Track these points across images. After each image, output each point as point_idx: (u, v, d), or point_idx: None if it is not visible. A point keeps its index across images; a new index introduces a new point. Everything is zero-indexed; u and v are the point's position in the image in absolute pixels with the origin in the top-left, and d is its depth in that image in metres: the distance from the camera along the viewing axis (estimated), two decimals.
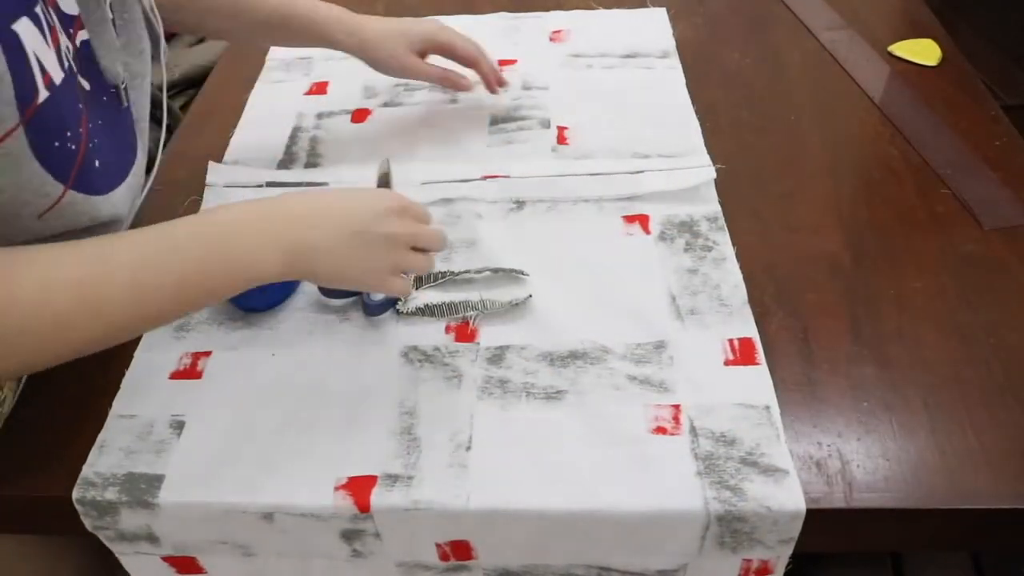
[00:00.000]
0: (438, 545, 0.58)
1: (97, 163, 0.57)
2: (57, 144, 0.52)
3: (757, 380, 0.61)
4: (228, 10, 0.76)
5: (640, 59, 0.94)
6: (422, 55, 0.81)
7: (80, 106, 0.55)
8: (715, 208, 0.74)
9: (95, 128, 0.57)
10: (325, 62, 0.99)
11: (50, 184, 0.52)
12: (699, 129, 0.83)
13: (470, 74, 0.85)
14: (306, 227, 0.55)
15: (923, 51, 0.91)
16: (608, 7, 1.04)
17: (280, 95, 0.95)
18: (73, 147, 0.53)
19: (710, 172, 0.76)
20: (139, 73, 0.65)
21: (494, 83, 0.85)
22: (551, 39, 0.99)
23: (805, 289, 0.67)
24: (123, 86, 0.62)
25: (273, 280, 0.55)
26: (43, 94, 0.49)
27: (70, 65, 0.54)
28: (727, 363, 0.62)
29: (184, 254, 0.52)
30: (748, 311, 0.65)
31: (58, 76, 0.51)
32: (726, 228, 0.72)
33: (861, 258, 0.69)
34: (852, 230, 0.71)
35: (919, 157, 0.78)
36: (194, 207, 0.79)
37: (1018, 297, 0.65)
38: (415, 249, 0.58)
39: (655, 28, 0.99)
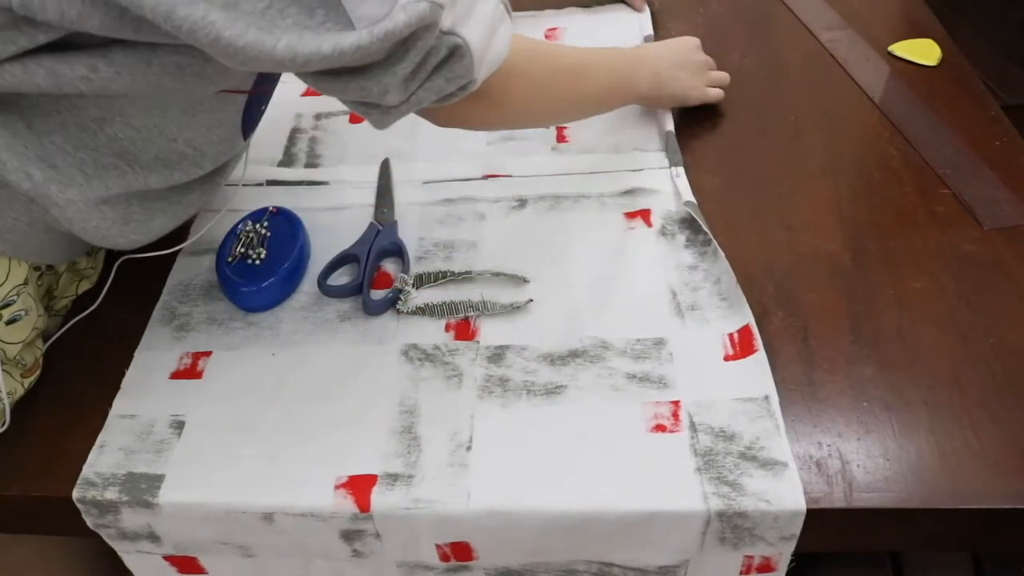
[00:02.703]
0: (438, 546, 0.58)
1: (263, 108, 0.72)
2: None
3: (755, 369, 0.61)
4: None
5: None
6: None
7: None
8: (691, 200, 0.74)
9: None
10: None
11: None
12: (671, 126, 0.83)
13: None
14: (661, 68, 0.81)
15: (923, 51, 0.91)
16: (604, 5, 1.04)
17: (277, 97, 0.94)
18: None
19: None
20: None
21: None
22: (546, 36, 0.99)
23: (805, 289, 0.67)
24: None
25: (641, 99, 0.82)
26: None
27: None
28: (727, 358, 0.62)
29: (612, 69, 0.77)
30: (741, 295, 0.65)
31: None
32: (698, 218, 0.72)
33: (861, 258, 0.69)
34: (852, 230, 0.71)
35: (919, 157, 0.78)
36: None
37: (1018, 297, 0.65)
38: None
39: (631, 25, 0.99)
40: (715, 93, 0.84)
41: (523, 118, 0.73)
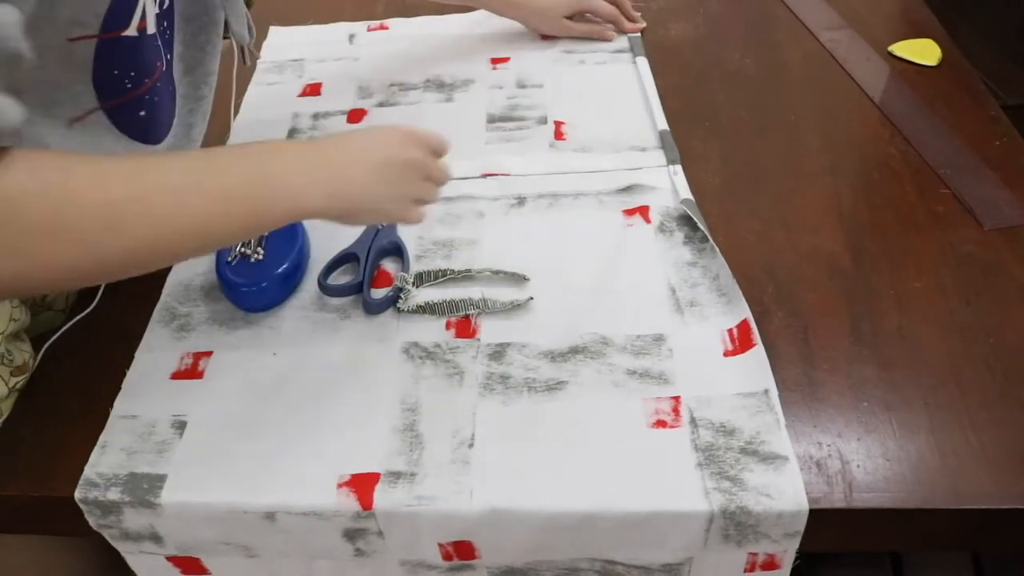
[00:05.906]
0: (440, 545, 0.58)
1: (143, 113, 0.63)
2: (116, 74, 0.58)
3: (754, 363, 0.61)
4: None
5: (626, 54, 0.95)
6: (570, 17, 0.98)
7: (157, 63, 0.60)
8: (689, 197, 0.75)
9: (162, 87, 0.63)
10: (318, 64, 0.99)
11: (88, 95, 0.58)
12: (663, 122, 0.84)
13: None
14: (344, 168, 0.57)
15: (923, 51, 0.91)
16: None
17: (274, 97, 0.94)
18: (130, 86, 0.60)
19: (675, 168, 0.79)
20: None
21: (629, 27, 0.99)
22: (543, 36, 0.99)
23: (805, 289, 0.67)
24: (248, 45, 0.71)
25: (313, 218, 0.58)
26: (130, 32, 0.56)
27: (165, 26, 0.62)
28: (727, 354, 0.62)
29: (226, 178, 0.53)
30: (738, 291, 0.65)
31: (151, 29, 0.59)
32: (696, 216, 0.72)
33: (861, 258, 0.69)
34: (852, 230, 0.72)
35: (919, 157, 0.78)
36: None
37: (1018, 297, 0.65)
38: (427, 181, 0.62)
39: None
40: (417, 215, 0.62)
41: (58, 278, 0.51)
